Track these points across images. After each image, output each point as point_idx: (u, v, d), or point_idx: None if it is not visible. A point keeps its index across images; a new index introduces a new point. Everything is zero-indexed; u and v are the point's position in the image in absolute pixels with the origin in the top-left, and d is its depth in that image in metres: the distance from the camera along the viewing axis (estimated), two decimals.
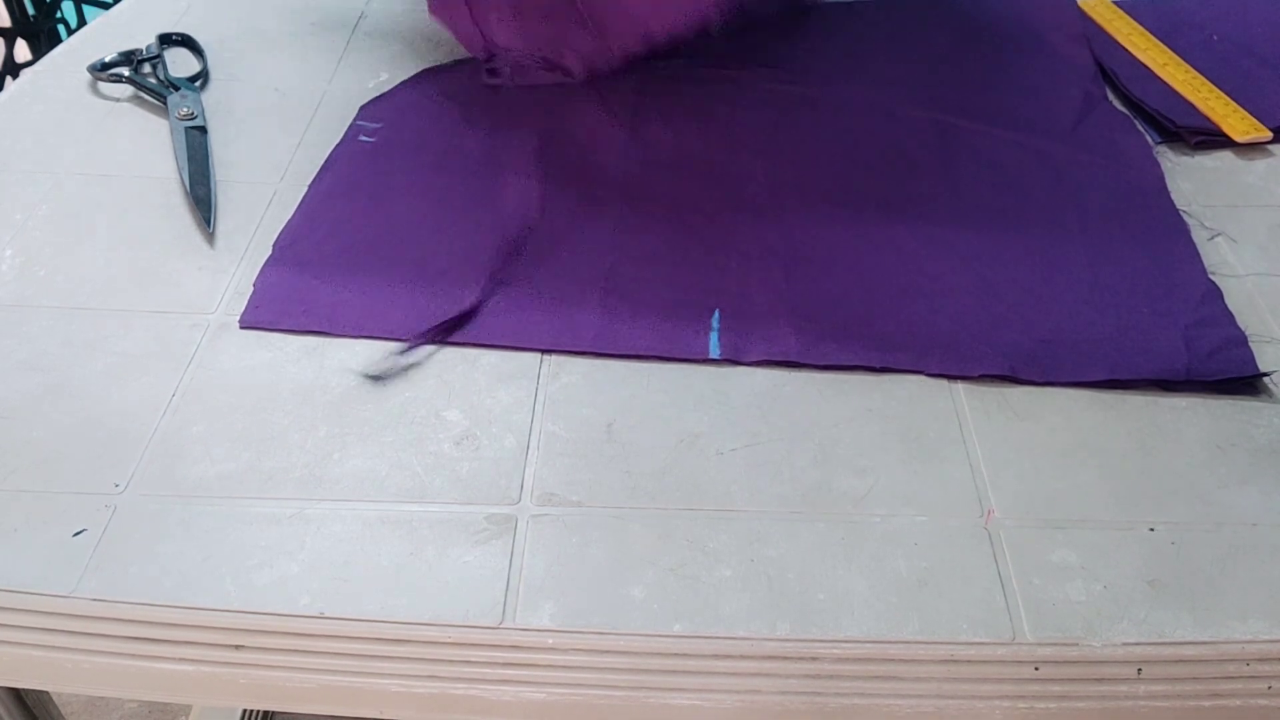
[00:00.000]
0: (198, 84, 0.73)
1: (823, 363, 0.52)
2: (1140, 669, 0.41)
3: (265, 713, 0.87)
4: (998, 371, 0.51)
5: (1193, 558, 0.43)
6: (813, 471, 0.47)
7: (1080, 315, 0.54)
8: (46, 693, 0.60)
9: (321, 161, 0.65)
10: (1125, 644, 0.41)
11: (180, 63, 0.75)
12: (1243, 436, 0.49)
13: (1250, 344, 0.52)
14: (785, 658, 0.41)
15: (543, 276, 0.57)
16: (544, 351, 0.53)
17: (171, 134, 0.68)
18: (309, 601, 0.42)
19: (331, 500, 0.46)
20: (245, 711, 0.86)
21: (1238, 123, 0.67)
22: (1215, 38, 0.76)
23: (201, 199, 0.62)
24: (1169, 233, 0.60)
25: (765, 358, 0.52)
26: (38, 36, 1.54)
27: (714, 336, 0.53)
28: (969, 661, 0.41)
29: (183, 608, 0.42)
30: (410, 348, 0.52)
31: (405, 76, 0.73)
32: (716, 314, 0.54)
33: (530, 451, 0.48)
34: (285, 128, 0.69)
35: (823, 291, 0.56)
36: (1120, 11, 0.80)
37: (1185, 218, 0.61)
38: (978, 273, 0.57)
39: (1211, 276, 0.57)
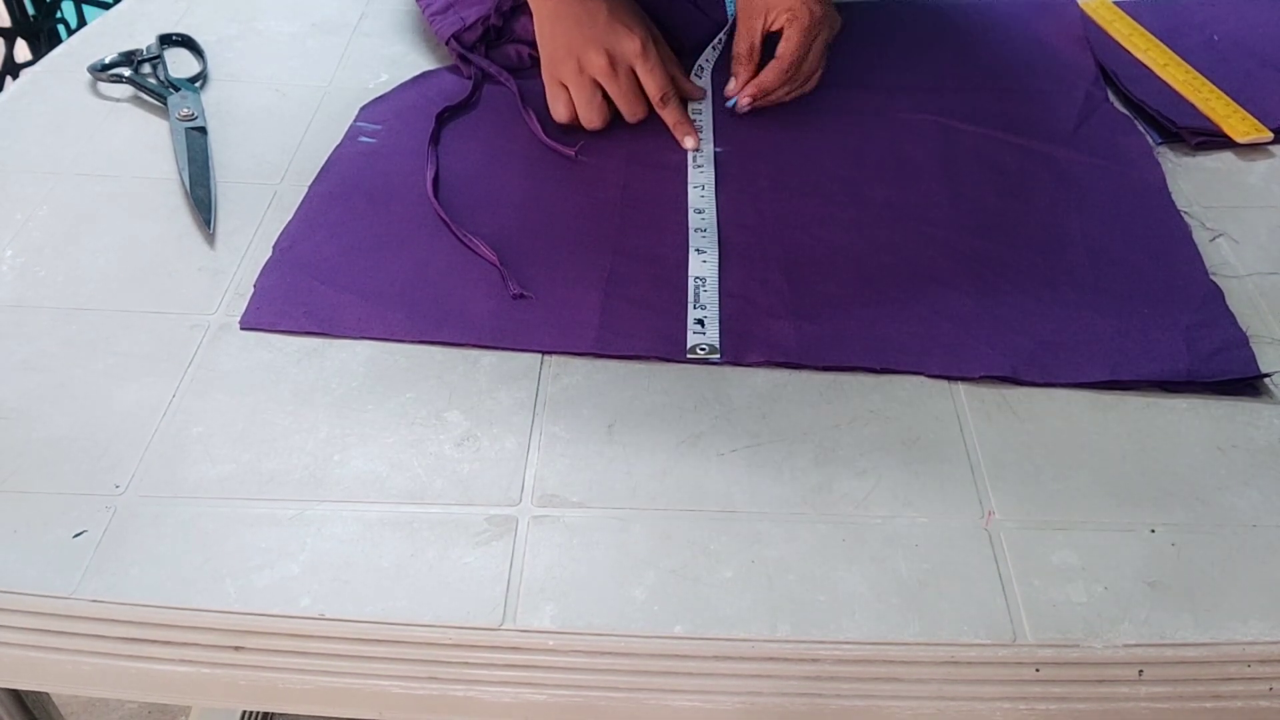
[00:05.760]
0: (198, 84, 0.73)
1: (823, 364, 0.52)
2: (1141, 670, 0.41)
3: (265, 714, 0.87)
4: (999, 373, 0.51)
5: (1193, 559, 0.43)
6: (813, 473, 0.47)
7: (1081, 316, 0.54)
8: (46, 693, 0.60)
9: (321, 162, 0.65)
10: (1126, 645, 0.41)
11: (180, 63, 0.75)
12: (1243, 438, 0.48)
13: (1251, 344, 0.52)
14: (786, 659, 0.41)
15: (543, 278, 0.57)
16: (545, 353, 0.53)
17: (171, 134, 0.68)
18: (309, 603, 0.42)
19: (332, 501, 0.46)
20: (245, 713, 0.86)
21: (1238, 123, 0.67)
22: (1216, 38, 0.76)
23: (201, 200, 0.62)
24: (1170, 234, 0.60)
25: (766, 359, 0.52)
26: (38, 36, 1.54)
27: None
28: (970, 663, 0.41)
29: (183, 609, 0.42)
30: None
31: (405, 77, 0.73)
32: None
33: (531, 452, 0.48)
34: (285, 128, 0.69)
35: (823, 293, 0.56)
36: (1121, 13, 0.80)
37: (1186, 218, 0.61)
38: (979, 274, 0.57)
39: (1213, 277, 0.57)
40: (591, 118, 0.67)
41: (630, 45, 0.66)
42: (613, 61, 0.66)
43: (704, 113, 0.70)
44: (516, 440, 0.49)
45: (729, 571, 0.43)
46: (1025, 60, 0.75)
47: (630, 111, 0.68)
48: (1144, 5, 0.80)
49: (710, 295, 0.56)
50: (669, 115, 0.68)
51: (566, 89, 0.67)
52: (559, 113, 0.68)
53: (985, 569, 0.43)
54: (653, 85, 0.67)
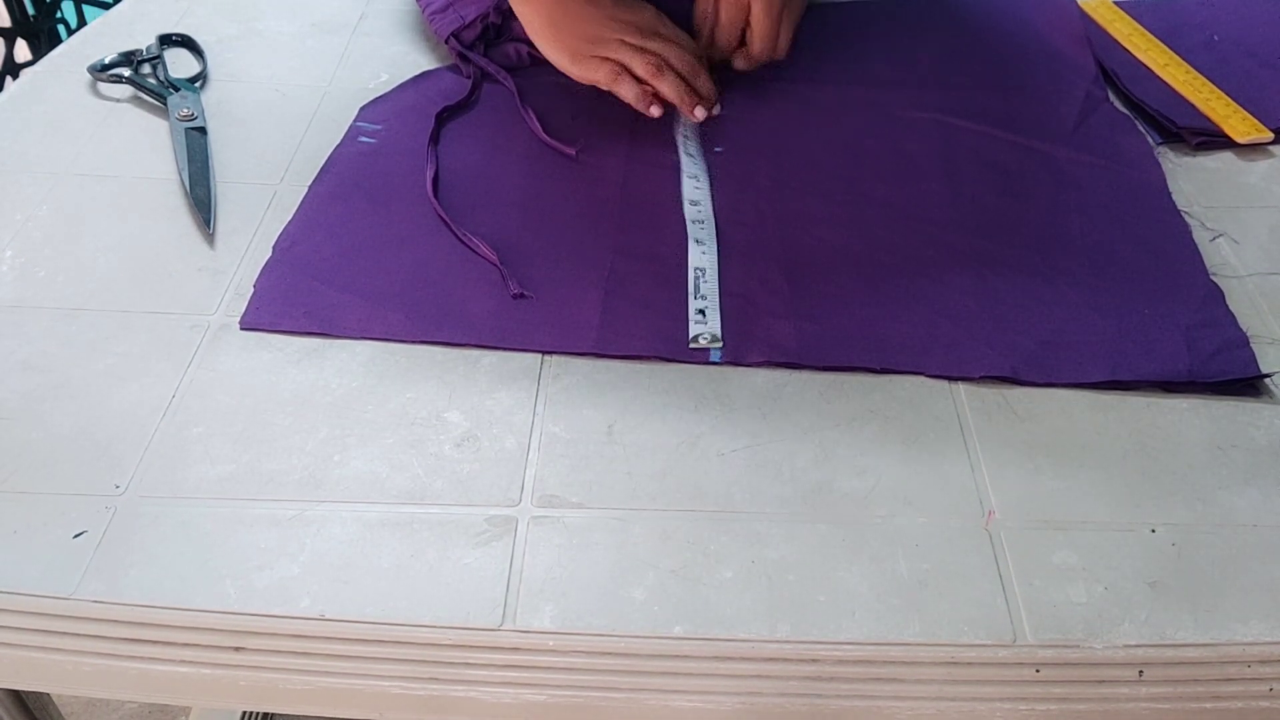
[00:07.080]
0: (197, 85, 0.73)
1: (823, 364, 0.52)
2: (1141, 671, 0.40)
3: (265, 714, 0.87)
4: (999, 373, 0.51)
5: (1194, 559, 0.43)
6: (813, 473, 0.47)
7: (1081, 316, 0.54)
8: (46, 694, 0.60)
9: (321, 162, 0.65)
10: (1126, 646, 0.41)
11: (180, 63, 0.75)
12: (1243, 438, 0.48)
13: (1252, 344, 0.52)
14: (786, 659, 0.41)
15: (543, 278, 0.57)
16: (545, 353, 0.53)
17: (171, 134, 0.68)
18: (309, 603, 0.42)
19: (332, 502, 0.46)
20: (245, 713, 0.86)
21: (1239, 124, 0.67)
22: (1216, 38, 0.76)
23: (201, 200, 0.62)
24: (1170, 234, 0.60)
25: (766, 359, 0.52)
26: (38, 36, 1.54)
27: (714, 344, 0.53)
28: (970, 663, 0.41)
29: (183, 609, 0.42)
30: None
31: (405, 77, 0.73)
32: (717, 319, 0.54)
33: (531, 453, 0.48)
34: (285, 128, 0.69)
35: (823, 293, 0.56)
36: (1121, 12, 0.80)
37: (1186, 218, 0.61)
38: (979, 274, 0.57)
39: (1213, 277, 0.57)
40: (652, 72, 0.65)
41: (646, 14, 0.67)
42: (638, 28, 0.66)
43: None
44: (516, 440, 0.49)
45: (729, 572, 0.43)
46: (1025, 59, 0.75)
47: (679, 57, 0.66)
48: (1144, 5, 0.80)
49: (710, 285, 0.56)
50: (703, 85, 0.67)
51: (607, 62, 0.66)
52: (619, 87, 0.66)
53: (985, 569, 0.43)
54: (686, 44, 0.68)
